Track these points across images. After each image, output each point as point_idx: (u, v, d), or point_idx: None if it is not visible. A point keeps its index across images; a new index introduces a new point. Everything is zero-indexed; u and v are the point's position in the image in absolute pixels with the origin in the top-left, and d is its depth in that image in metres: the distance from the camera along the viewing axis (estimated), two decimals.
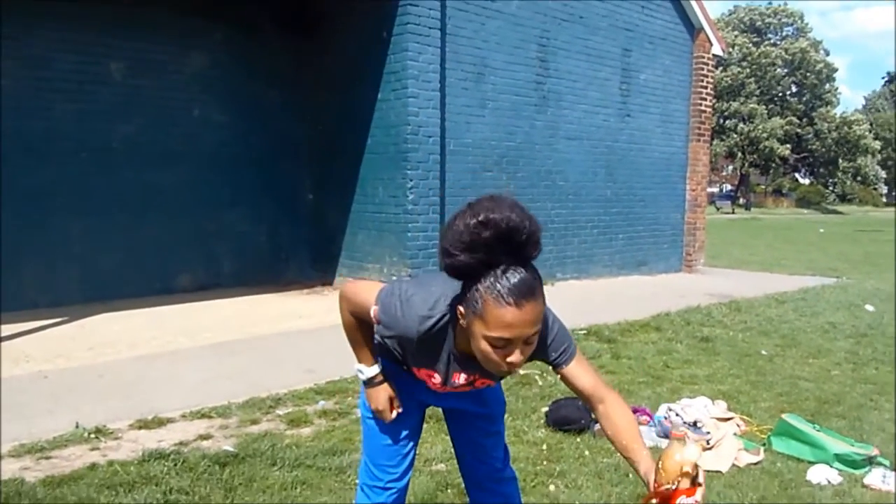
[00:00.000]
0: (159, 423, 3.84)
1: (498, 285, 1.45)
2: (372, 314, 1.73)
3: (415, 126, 7.57)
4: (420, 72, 7.56)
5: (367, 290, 1.79)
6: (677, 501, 1.37)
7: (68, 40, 7.16)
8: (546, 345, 1.70)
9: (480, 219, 1.41)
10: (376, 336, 2.01)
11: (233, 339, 5.93)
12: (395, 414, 1.99)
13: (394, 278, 7.70)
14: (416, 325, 1.66)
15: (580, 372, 1.75)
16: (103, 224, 7.52)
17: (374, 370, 1.95)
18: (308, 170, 9.08)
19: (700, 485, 1.44)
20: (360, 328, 1.89)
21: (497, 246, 1.43)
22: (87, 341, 5.73)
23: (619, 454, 3.44)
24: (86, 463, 3.24)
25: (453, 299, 1.63)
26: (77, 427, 3.67)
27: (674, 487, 1.39)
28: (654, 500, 1.43)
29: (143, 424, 3.79)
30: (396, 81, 7.62)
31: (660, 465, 1.44)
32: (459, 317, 1.58)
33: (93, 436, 3.58)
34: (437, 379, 1.82)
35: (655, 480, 1.46)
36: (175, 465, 3.20)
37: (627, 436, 1.68)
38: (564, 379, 1.77)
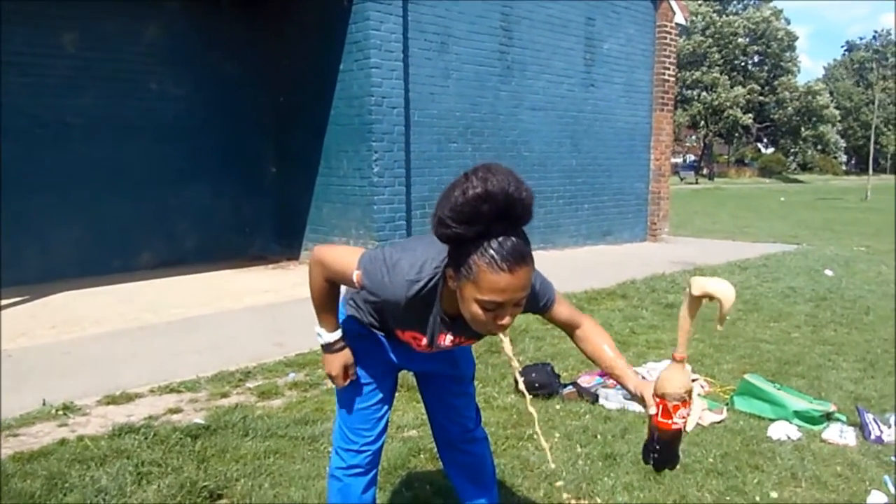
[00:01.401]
0: (128, 398, 3.81)
1: (492, 251, 1.47)
2: (355, 279, 1.72)
3: (378, 97, 7.51)
4: (382, 42, 7.49)
5: (347, 256, 1.77)
6: (678, 412, 1.56)
7: (19, 11, 6.94)
8: (533, 299, 1.76)
9: (479, 191, 1.41)
10: (350, 303, 2.02)
11: (199, 315, 5.89)
12: (347, 381, 2.02)
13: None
14: (404, 290, 1.66)
15: (560, 309, 1.85)
16: (61, 201, 7.37)
17: (335, 336, 1.96)
18: (270, 142, 8.98)
19: (692, 397, 1.61)
20: (329, 294, 1.89)
21: (495, 218, 1.45)
22: (50, 319, 5.64)
23: (586, 416, 3.52)
24: (55, 439, 3.22)
25: (439, 262, 1.64)
26: (44, 404, 3.62)
27: (677, 403, 1.56)
28: (659, 411, 1.59)
29: (112, 400, 3.76)
30: (359, 52, 7.54)
31: (664, 381, 1.58)
32: (449, 280, 1.60)
33: (60, 412, 3.55)
34: (424, 341, 1.83)
35: (658, 395, 1.59)
36: (146, 438, 3.19)
37: (608, 354, 1.80)
38: (548, 319, 1.87)
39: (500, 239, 1.47)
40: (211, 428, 3.34)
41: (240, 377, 4.19)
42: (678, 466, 1.72)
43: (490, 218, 1.44)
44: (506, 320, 1.57)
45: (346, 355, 1.99)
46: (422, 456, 3.07)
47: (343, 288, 2.07)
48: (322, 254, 1.84)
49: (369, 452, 2.05)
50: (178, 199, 8.33)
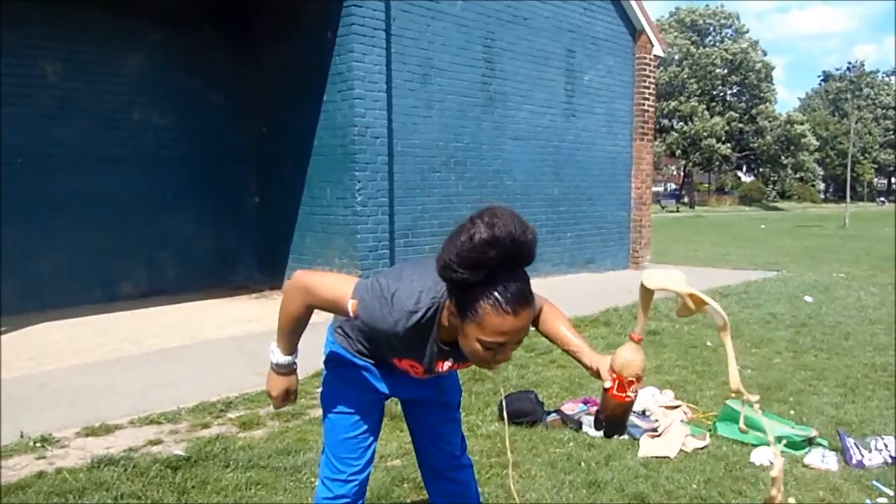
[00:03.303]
0: (107, 430, 3.77)
1: (496, 294, 1.48)
2: (350, 310, 1.69)
3: (362, 127, 7.56)
4: (366, 73, 7.55)
5: (339, 285, 1.74)
6: (632, 387, 1.68)
7: (1, 41, 6.93)
8: None
9: (486, 237, 1.41)
10: (338, 331, 2.01)
11: (180, 345, 5.84)
12: (285, 405, 2.02)
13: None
14: (403, 321, 1.65)
15: None
16: (41, 231, 7.32)
17: (288, 359, 1.94)
18: (253, 172, 8.99)
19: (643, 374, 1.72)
20: (302, 320, 1.86)
21: (501, 263, 1.46)
22: (28, 351, 5.57)
23: (570, 443, 3.52)
24: (32, 472, 3.17)
25: (436, 292, 1.65)
26: (22, 436, 3.57)
27: (633, 379, 1.67)
28: (615, 385, 1.69)
29: (90, 432, 3.72)
30: (342, 83, 7.59)
31: (622, 359, 1.68)
32: (451, 316, 1.60)
33: (38, 445, 3.50)
34: (420, 369, 1.83)
35: (616, 371, 1.68)
36: (125, 470, 3.15)
37: (563, 332, 1.84)
38: None
39: (506, 282, 1.49)
40: (191, 459, 3.30)
41: (221, 408, 4.16)
42: (624, 435, 2.01)
43: (496, 263, 1.45)
44: (504, 357, 1.60)
45: (291, 380, 1.98)
46: (405, 485, 3.05)
47: (332, 315, 2.06)
48: (308, 280, 1.79)
49: (356, 482, 2.03)
50: (160, 229, 8.30)
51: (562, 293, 8.85)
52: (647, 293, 1.69)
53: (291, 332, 1.89)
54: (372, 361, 1.98)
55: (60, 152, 7.46)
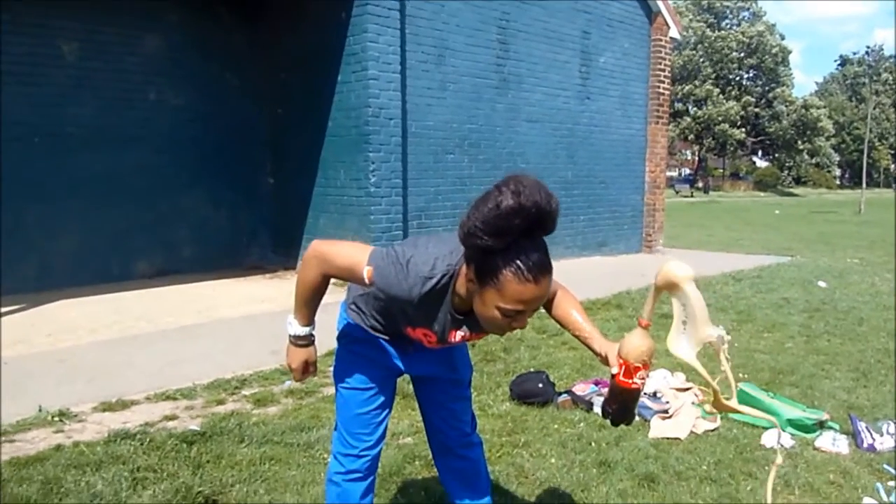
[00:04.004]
0: (123, 405, 3.82)
1: (518, 262, 1.50)
2: (366, 276, 1.71)
3: (376, 108, 7.55)
4: (380, 54, 7.53)
5: (355, 252, 1.76)
6: (638, 374, 1.66)
7: (19, 21, 6.97)
8: None
9: (513, 205, 1.43)
10: (352, 307, 2.02)
11: (195, 324, 5.90)
12: (305, 377, 2.05)
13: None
14: (418, 287, 1.67)
15: None
16: (58, 210, 7.38)
17: (306, 330, 1.97)
18: (268, 153, 9.02)
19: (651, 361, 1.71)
20: (319, 290, 1.88)
21: (525, 230, 1.48)
22: (47, 328, 5.64)
23: (581, 424, 3.54)
24: (50, 445, 3.23)
25: (451, 259, 1.67)
26: (40, 411, 3.63)
27: (639, 365, 1.66)
28: (621, 371, 1.67)
29: (107, 407, 3.78)
30: (356, 63, 7.59)
31: (629, 344, 1.67)
32: (468, 283, 1.62)
33: (56, 419, 3.55)
34: (434, 338, 1.84)
35: (622, 356, 1.67)
36: (142, 444, 3.20)
37: (575, 317, 1.85)
38: None
39: (528, 250, 1.51)
40: (206, 434, 3.35)
41: (236, 385, 4.21)
42: (633, 422, 1.94)
43: (520, 231, 1.47)
44: (521, 323, 1.62)
45: (310, 352, 2.01)
46: (417, 463, 3.09)
47: (344, 293, 2.08)
48: (324, 249, 1.81)
49: (368, 457, 2.06)
50: (175, 209, 8.35)
51: (574, 276, 8.82)
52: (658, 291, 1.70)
53: (309, 301, 1.91)
54: (386, 337, 1.99)
55: (77, 132, 7.50)
